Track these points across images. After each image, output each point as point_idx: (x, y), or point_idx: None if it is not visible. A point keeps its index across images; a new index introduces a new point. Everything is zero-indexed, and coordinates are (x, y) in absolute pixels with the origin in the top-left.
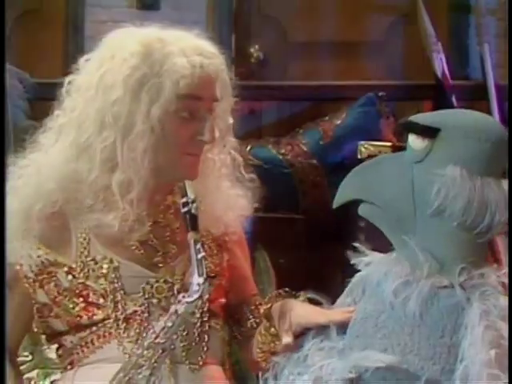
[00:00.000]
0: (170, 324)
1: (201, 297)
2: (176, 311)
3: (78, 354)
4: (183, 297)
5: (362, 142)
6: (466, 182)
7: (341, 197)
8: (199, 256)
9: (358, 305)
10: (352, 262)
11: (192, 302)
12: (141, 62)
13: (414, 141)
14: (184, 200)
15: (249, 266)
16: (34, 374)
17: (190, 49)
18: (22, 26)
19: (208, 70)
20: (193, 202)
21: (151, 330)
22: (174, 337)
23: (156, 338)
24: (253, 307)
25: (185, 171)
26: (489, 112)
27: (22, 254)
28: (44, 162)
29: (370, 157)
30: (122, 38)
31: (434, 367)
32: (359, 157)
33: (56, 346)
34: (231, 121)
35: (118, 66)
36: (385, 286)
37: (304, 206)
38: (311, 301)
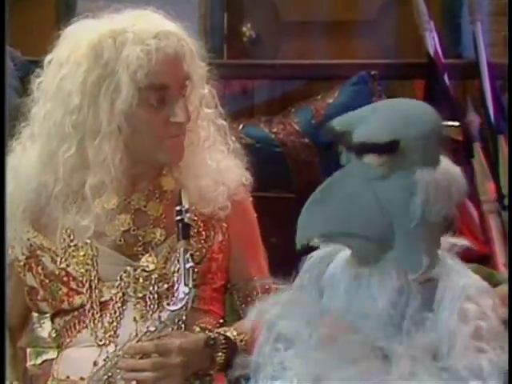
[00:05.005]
0: (152, 329)
1: (185, 306)
2: (159, 318)
3: (64, 336)
4: (168, 304)
5: None
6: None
7: (306, 234)
8: (187, 266)
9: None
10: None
11: (176, 310)
12: (93, 64)
13: (372, 159)
14: (178, 208)
15: (253, 243)
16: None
17: (144, 33)
18: (14, 3)
19: (166, 51)
20: (186, 211)
21: (133, 334)
22: (156, 342)
23: (138, 342)
24: (255, 291)
25: (167, 156)
26: (481, 90)
27: (14, 235)
28: (20, 169)
29: None
30: (77, 35)
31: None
32: None
33: (48, 324)
34: (206, 90)
35: (73, 71)
36: (343, 283)
37: (296, 185)
38: None
